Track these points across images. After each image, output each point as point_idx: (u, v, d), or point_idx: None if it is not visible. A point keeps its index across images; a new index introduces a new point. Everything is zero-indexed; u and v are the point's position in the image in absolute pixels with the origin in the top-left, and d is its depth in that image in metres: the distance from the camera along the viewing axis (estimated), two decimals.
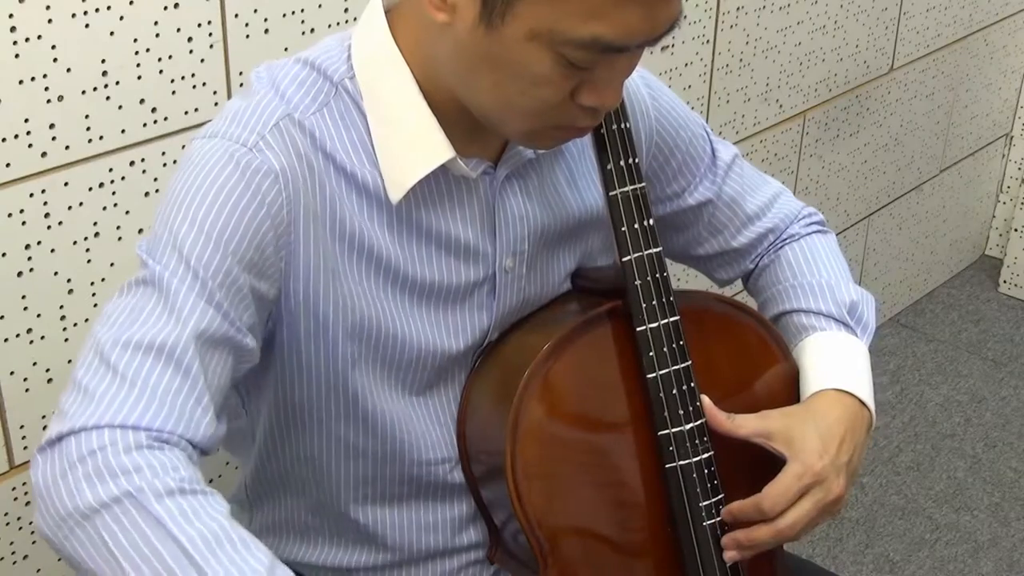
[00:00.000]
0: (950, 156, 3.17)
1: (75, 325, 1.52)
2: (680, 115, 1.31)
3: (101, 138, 1.46)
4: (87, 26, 1.40)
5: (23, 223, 1.43)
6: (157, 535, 0.91)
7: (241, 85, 1.57)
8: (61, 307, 1.50)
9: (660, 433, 1.18)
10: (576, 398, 1.18)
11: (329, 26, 1.64)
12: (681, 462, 1.19)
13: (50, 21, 1.37)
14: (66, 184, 1.45)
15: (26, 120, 1.39)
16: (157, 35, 1.47)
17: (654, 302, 1.17)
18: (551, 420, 1.16)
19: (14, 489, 1.55)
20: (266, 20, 1.58)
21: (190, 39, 1.50)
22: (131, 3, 1.43)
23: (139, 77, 1.47)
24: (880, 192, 2.95)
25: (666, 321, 1.17)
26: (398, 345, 1.15)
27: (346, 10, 1.65)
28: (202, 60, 1.53)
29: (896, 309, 3.23)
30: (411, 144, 1.10)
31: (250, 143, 1.05)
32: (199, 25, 1.51)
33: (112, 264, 1.53)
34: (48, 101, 1.40)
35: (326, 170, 1.09)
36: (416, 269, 1.14)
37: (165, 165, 1.54)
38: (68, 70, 1.41)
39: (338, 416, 1.17)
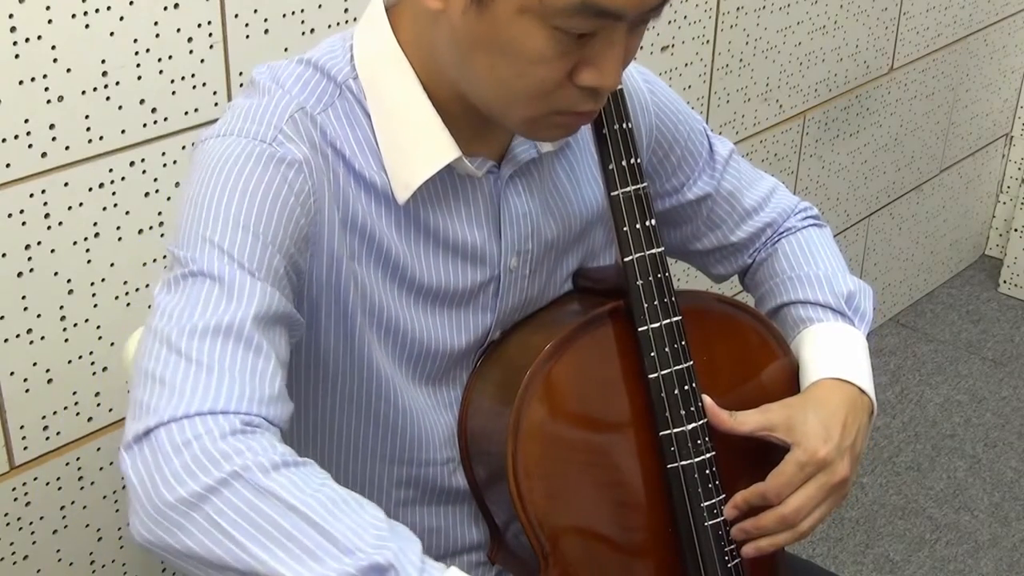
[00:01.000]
0: (950, 156, 3.17)
1: (75, 325, 1.52)
2: (678, 110, 1.31)
3: (101, 138, 1.46)
4: (87, 26, 1.40)
5: (23, 223, 1.43)
6: (273, 507, 0.89)
7: (241, 85, 1.57)
8: (61, 307, 1.50)
9: (662, 433, 1.18)
10: (577, 398, 1.18)
11: (329, 26, 1.64)
12: (683, 462, 1.19)
13: (50, 21, 1.37)
14: (66, 184, 1.45)
15: (26, 120, 1.39)
16: (157, 35, 1.47)
17: (656, 302, 1.17)
18: (552, 420, 1.16)
19: (14, 489, 1.54)
20: (266, 20, 1.57)
21: (190, 39, 1.50)
22: (131, 3, 1.43)
23: (139, 77, 1.47)
24: (880, 192, 2.95)
25: (668, 321, 1.17)
26: (404, 338, 1.15)
27: (346, 10, 1.65)
28: (202, 60, 1.53)
29: (896, 309, 3.23)
30: (416, 144, 1.09)
31: (269, 138, 1.04)
32: (199, 25, 1.51)
33: (112, 264, 1.53)
34: (48, 101, 1.40)
35: (337, 165, 1.08)
36: (423, 271, 1.14)
37: (165, 165, 1.54)
38: (68, 70, 1.40)
39: (349, 406, 1.17)
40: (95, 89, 1.44)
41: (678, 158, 1.32)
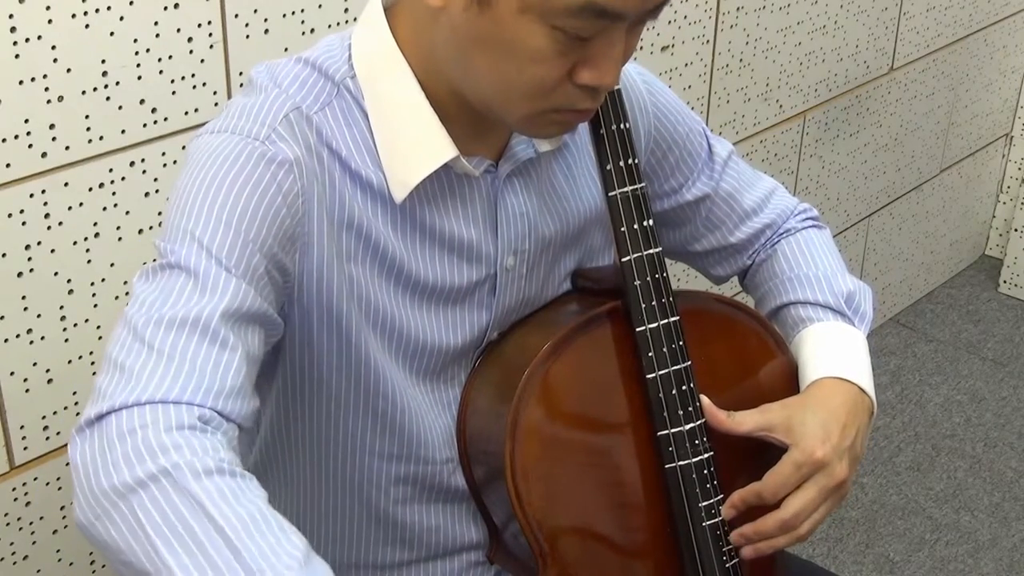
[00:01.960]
0: (950, 156, 3.17)
1: (75, 325, 1.52)
2: (677, 111, 1.31)
3: (101, 138, 1.46)
4: (87, 26, 1.40)
5: (23, 223, 1.43)
6: (194, 515, 0.88)
7: (241, 85, 1.57)
8: (61, 307, 1.50)
9: (660, 433, 1.18)
10: (575, 398, 1.18)
11: (329, 26, 1.64)
12: (681, 462, 1.19)
13: (50, 21, 1.37)
14: (66, 184, 1.45)
15: (26, 120, 1.39)
16: (157, 35, 1.47)
17: (654, 302, 1.17)
18: (550, 420, 1.16)
19: (14, 489, 1.55)
20: (266, 20, 1.58)
21: (190, 39, 1.50)
22: (131, 3, 1.43)
23: (139, 77, 1.47)
24: (880, 192, 2.95)
25: (666, 321, 1.17)
26: (401, 335, 1.15)
27: (346, 10, 1.65)
28: (202, 60, 1.53)
29: (896, 309, 3.23)
30: (414, 143, 1.09)
31: (262, 136, 1.05)
32: (199, 25, 1.51)
33: (112, 264, 1.53)
34: (48, 101, 1.40)
35: (333, 165, 1.09)
36: (420, 268, 1.14)
37: (165, 165, 1.54)
38: (68, 70, 1.41)
39: (347, 405, 1.17)
40: (95, 89, 1.44)
41: (676, 159, 1.32)
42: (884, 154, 2.90)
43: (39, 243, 1.45)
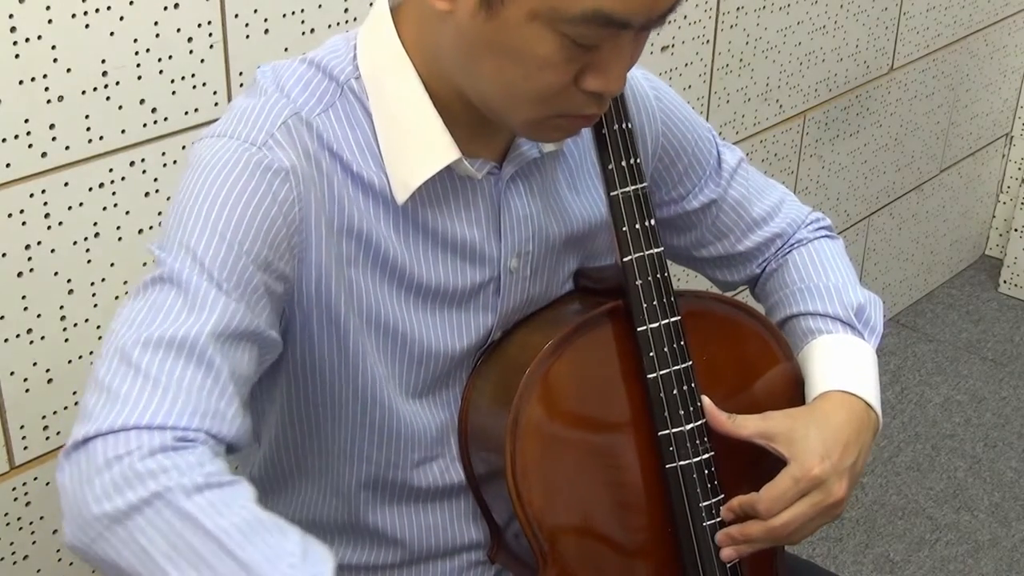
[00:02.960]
0: (950, 156, 3.17)
1: (75, 325, 1.52)
2: (687, 118, 1.31)
3: (101, 138, 1.46)
4: (87, 26, 1.40)
5: (23, 223, 1.43)
6: (191, 531, 0.91)
7: (241, 85, 1.57)
8: (61, 307, 1.50)
9: (660, 433, 1.18)
10: (576, 398, 1.18)
11: (329, 26, 1.64)
12: (681, 462, 1.19)
13: (50, 21, 1.37)
14: (66, 184, 1.45)
15: (26, 120, 1.39)
16: (157, 35, 1.47)
17: (655, 302, 1.17)
18: (551, 420, 1.16)
19: (14, 489, 1.54)
20: (266, 20, 1.58)
21: (190, 39, 1.50)
22: (131, 3, 1.43)
23: (139, 77, 1.47)
24: (880, 192, 2.95)
25: (667, 321, 1.17)
26: (404, 344, 1.15)
27: (346, 10, 1.65)
28: (202, 60, 1.53)
29: (896, 309, 3.23)
30: (417, 145, 1.09)
31: (259, 142, 1.05)
32: (199, 25, 1.51)
33: (112, 264, 1.53)
34: (48, 101, 1.40)
35: (334, 170, 1.09)
36: (423, 271, 1.14)
37: (165, 165, 1.54)
38: (68, 70, 1.41)
39: (346, 413, 1.17)
40: (95, 89, 1.44)
41: (685, 166, 1.32)
42: (884, 154, 2.90)
43: (39, 243, 1.45)
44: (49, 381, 1.52)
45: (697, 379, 1.19)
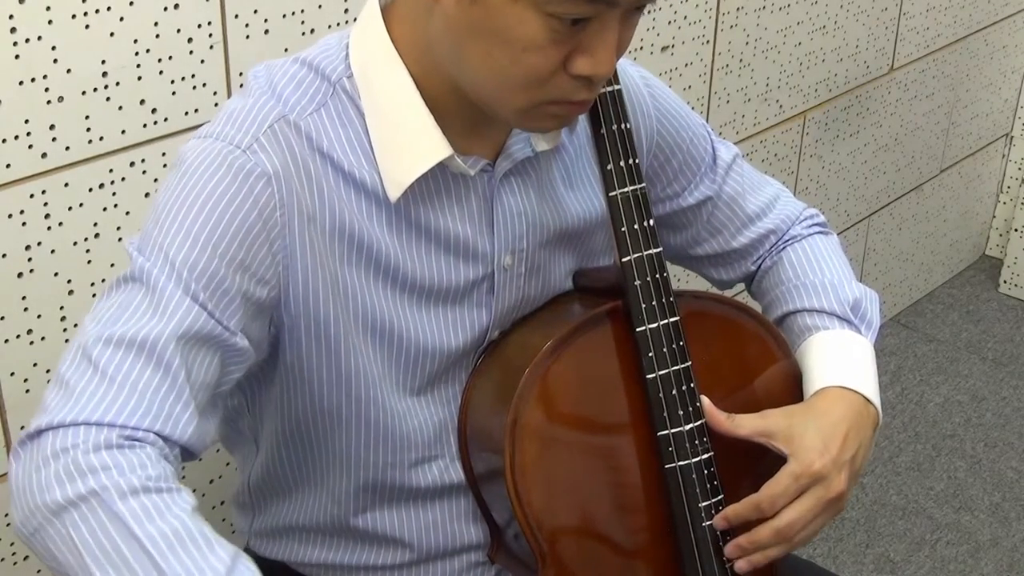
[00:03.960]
0: (950, 156, 3.17)
1: (75, 326, 1.52)
2: (682, 115, 1.31)
3: (101, 139, 1.46)
4: (87, 27, 1.40)
5: (23, 224, 1.43)
6: (120, 534, 0.92)
7: (241, 86, 1.57)
8: (61, 308, 1.50)
9: (660, 434, 1.18)
10: (575, 398, 1.18)
11: (329, 26, 1.64)
12: (680, 463, 1.19)
13: (50, 22, 1.37)
14: (66, 185, 1.45)
15: (26, 121, 1.39)
16: (157, 36, 1.47)
17: (654, 302, 1.17)
18: (550, 420, 1.16)
19: None
20: (266, 21, 1.58)
21: (190, 40, 1.50)
22: (131, 4, 1.43)
23: (139, 78, 1.47)
24: (880, 192, 2.95)
25: (666, 322, 1.17)
26: (400, 343, 1.15)
27: (346, 10, 1.65)
28: (202, 61, 1.53)
29: (896, 309, 3.23)
30: (409, 142, 1.10)
31: (244, 144, 1.05)
32: (199, 26, 1.51)
33: (112, 265, 1.53)
34: (48, 102, 1.40)
35: (324, 171, 1.09)
36: (416, 268, 1.14)
37: (165, 166, 1.54)
38: (68, 71, 1.41)
39: (340, 418, 1.17)
40: (95, 89, 1.44)
41: (679, 163, 1.32)
42: (884, 154, 2.90)
43: (39, 243, 1.45)
44: (49, 381, 1.52)
45: (696, 379, 1.19)
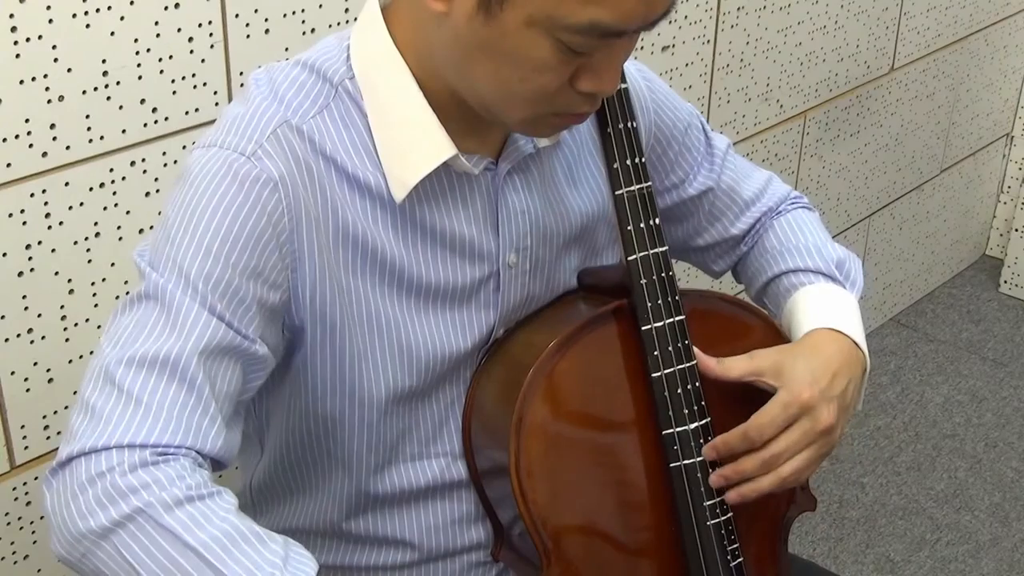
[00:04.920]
0: (950, 156, 3.17)
1: (76, 325, 1.52)
2: (675, 106, 1.33)
3: (102, 138, 1.46)
4: (87, 26, 1.40)
5: (24, 223, 1.43)
6: (173, 546, 0.93)
7: (242, 85, 1.57)
8: (62, 307, 1.50)
9: (664, 432, 1.18)
10: (580, 396, 1.18)
11: (329, 26, 1.64)
12: (685, 461, 1.19)
13: (50, 21, 1.37)
14: (67, 184, 1.45)
15: (26, 120, 1.39)
16: (157, 35, 1.47)
17: (660, 301, 1.17)
18: (555, 418, 1.16)
19: (15, 489, 1.54)
20: (266, 20, 1.57)
21: (190, 39, 1.50)
22: (131, 3, 1.43)
23: (139, 77, 1.47)
24: (880, 192, 2.95)
25: (671, 320, 1.17)
26: (406, 347, 1.15)
27: (346, 10, 1.65)
28: (202, 60, 1.52)
29: (896, 309, 3.23)
30: (412, 142, 1.09)
31: (248, 151, 1.05)
32: (199, 25, 1.50)
33: (113, 264, 1.53)
34: (48, 101, 1.40)
35: (327, 174, 1.09)
36: (422, 270, 1.14)
37: (166, 165, 1.54)
38: (68, 70, 1.40)
39: (343, 423, 1.17)
40: (95, 89, 1.43)
41: (676, 153, 1.33)
42: (884, 154, 2.90)
43: (39, 243, 1.45)
44: (49, 381, 1.52)
45: (701, 378, 1.19)
